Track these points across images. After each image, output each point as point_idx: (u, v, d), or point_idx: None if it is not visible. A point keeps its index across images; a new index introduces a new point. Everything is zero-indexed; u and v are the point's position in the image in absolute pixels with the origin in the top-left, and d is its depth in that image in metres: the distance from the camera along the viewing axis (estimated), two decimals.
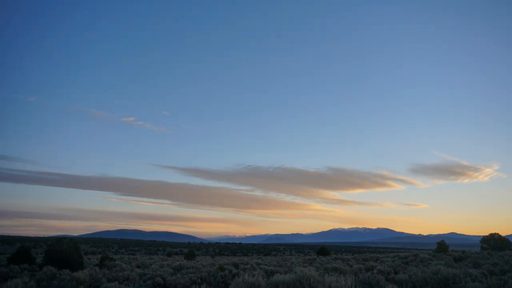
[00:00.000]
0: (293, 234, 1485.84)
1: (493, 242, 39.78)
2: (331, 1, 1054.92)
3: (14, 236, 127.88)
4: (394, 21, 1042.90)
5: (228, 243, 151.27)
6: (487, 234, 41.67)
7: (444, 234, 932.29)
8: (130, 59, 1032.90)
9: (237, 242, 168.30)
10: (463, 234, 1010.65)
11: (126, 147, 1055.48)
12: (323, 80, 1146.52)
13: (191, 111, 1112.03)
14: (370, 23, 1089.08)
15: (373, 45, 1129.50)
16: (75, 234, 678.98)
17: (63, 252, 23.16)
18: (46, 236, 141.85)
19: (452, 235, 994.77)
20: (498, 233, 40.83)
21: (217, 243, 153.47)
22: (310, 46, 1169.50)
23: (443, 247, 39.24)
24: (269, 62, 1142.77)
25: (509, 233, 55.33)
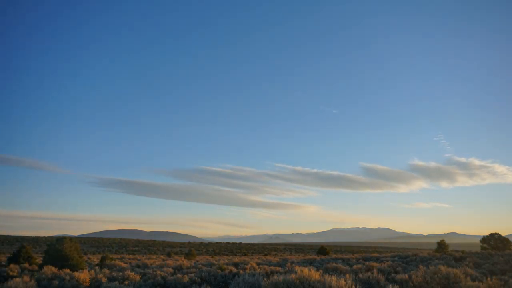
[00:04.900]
0: (293, 234, 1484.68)
1: (493, 242, 39.72)
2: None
3: (14, 236, 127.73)
4: (393, 16, 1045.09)
5: (228, 243, 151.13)
6: (487, 234, 41.63)
7: (444, 234, 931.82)
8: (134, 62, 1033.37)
9: (237, 242, 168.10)
10: (463, 234, 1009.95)
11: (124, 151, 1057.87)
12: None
13: (189, 111, 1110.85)
14: (366, 18, 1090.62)
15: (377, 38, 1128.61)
16: (75, 234, 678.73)
17: (63, 251, 23.17)
18: (46, 236, 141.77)
19: (452, 235, 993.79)
20: (498, 233, 40.77)
21: (217, 243, 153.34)
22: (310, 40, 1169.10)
23: (443, 247, 39.24)
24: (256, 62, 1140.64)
25: (509, 233, 55.25)
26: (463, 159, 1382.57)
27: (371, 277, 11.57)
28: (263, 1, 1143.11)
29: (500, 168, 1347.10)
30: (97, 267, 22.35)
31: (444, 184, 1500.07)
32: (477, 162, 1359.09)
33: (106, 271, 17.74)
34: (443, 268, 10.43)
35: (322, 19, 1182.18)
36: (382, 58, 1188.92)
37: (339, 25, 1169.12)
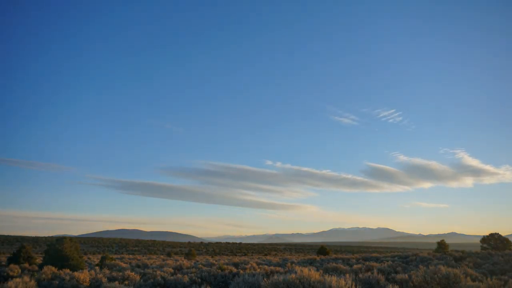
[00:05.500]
0: (293, 234, 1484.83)
1: (493, 242, 39.73)
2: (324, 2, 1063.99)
3: (14, 236, 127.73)
4: (397, 19, 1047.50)
5: (228, 243, 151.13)
6: (487, 234, 41.64)
7: (444, 234, 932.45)
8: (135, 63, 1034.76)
9: (237, 242, 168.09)
10: (463, 234, 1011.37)
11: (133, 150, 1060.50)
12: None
13: (192, 112, 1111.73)
14: (368, 21, 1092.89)
15: (377, 40, 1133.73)
16: (75, 234, 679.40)
17: (63, 251, 23.17)
18: (46, 236, 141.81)
19: (452, 235, 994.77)
20: (498, 233, 40.79)
21: (217, 243, 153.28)
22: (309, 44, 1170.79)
23: (443, 247, 39.26)
24: (264, 62, 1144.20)
25: (509, 233, 55.27)
26: (462, 160, 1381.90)
27: (371, 277, 11.56)
28: (268, 3, 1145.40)
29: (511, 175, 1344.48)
30: (97, 267, 22.34)
31: (444, 184, 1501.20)
32: (489, 168, 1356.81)
33: (106, 271, 17.73)
34: (443, 268, 10.43)
35: (329, 21, 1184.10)
36: (390, 60, 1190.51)
37: (347, 27, 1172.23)
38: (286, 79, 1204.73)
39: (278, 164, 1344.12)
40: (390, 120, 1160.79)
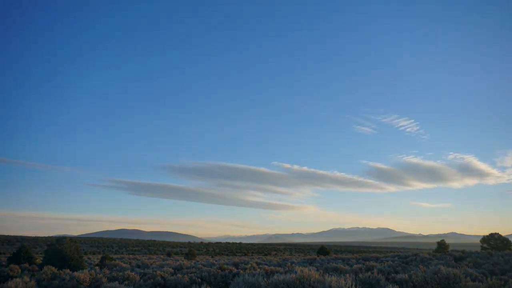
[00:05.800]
0: (293, 234, 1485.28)
1: (493, 242, 39.78)
2: (330, 4, 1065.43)
3: (14, 236, 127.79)
4: (395, 22, 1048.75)
5: (228, 243, 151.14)
6: (487, 234, 41.67)
7: (444, 234, 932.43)
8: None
9: (237, 242, 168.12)
10: (463, 234, 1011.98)
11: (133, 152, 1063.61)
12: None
13: (191, 114, 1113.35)
14: (369, 23, 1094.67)
15: (377, 44, 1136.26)
16: (75, 234, 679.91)
17: (63, 251, 23.18)
18: (46, 236, 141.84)
19: (452, 235, 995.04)
20: (498, 233, 40.84)
21: (217, 243, 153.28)
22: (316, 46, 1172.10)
23: (443, 247, 39.26)
24: (265, 65, 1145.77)
25: (509, 233, 55.31)
26: (471, 164, 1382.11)
27: (371, 277, 11.56)
28: (276, 5, 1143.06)
29: None
30: (97, 267, 22.34)
31: (445, 185, 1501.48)
32: (494, 172, 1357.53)
33: (106, 271, 17.73)
34: (443, 268, 10.43)
35: (334, 23, 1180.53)
36: (394, 63, 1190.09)
37: (351, 29, 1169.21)
38: (305, 85, 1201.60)
39: (279, 163, 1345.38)
40: (408, 129, 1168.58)
